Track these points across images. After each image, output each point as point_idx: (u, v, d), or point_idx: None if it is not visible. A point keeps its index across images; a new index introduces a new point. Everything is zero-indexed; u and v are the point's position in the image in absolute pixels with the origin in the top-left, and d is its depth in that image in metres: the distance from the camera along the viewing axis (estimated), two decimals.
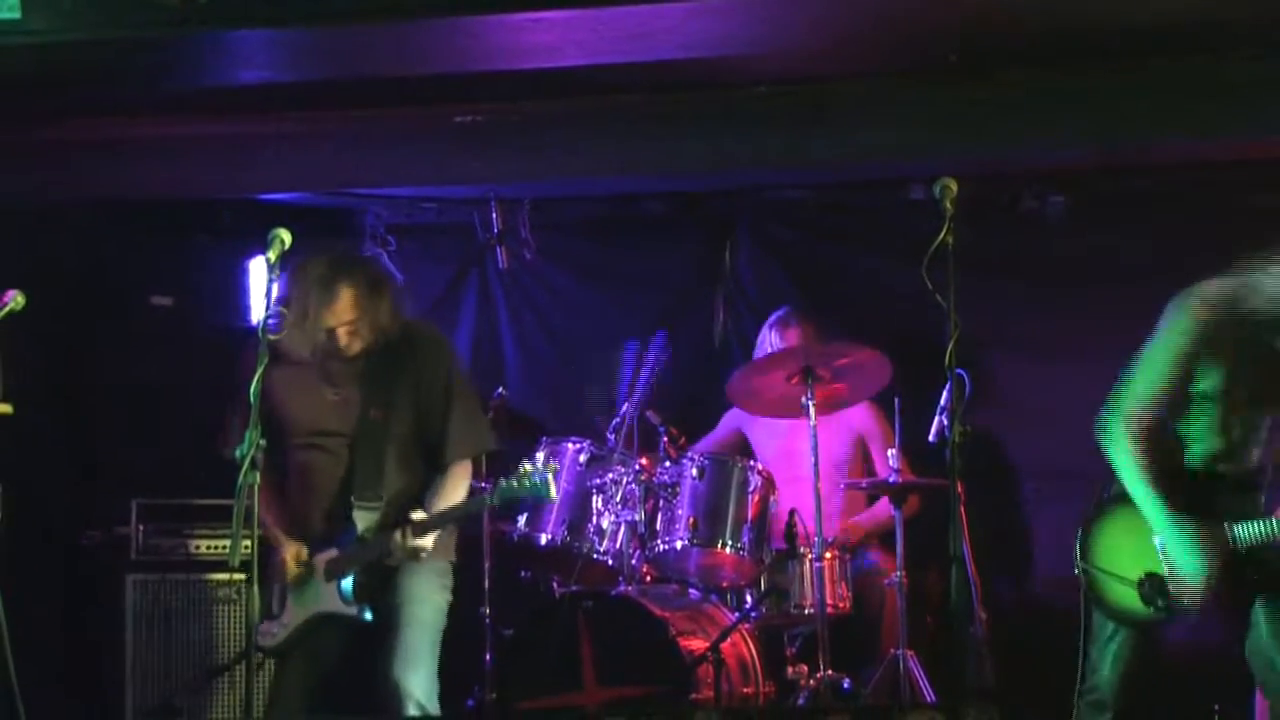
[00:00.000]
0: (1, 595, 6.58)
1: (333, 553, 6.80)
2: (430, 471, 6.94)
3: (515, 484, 6.73)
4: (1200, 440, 6.46)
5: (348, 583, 6.77)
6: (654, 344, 8.67)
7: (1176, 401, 6.43)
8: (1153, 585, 6.39)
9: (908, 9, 7.00)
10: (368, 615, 6.76)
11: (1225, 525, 6.30)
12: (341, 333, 6.80)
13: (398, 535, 6.68)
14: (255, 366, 6.68)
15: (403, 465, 6.90)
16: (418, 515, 6.73)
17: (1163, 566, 6.38)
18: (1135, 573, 6.42)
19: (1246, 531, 6.26)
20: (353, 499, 6.80)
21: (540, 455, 7.00)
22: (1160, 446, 6.45)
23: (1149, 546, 6.40)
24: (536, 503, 6.89)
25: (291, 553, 6.71)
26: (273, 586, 6.78)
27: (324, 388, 6.89)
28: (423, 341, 7.07)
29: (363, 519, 6.78)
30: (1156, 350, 6.45)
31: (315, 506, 6.84)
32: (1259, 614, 6.37)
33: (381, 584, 6.81)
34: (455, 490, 6.90)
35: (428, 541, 6.74)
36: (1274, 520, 6.23)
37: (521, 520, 8.21)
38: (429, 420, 6.93)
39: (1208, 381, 6.38)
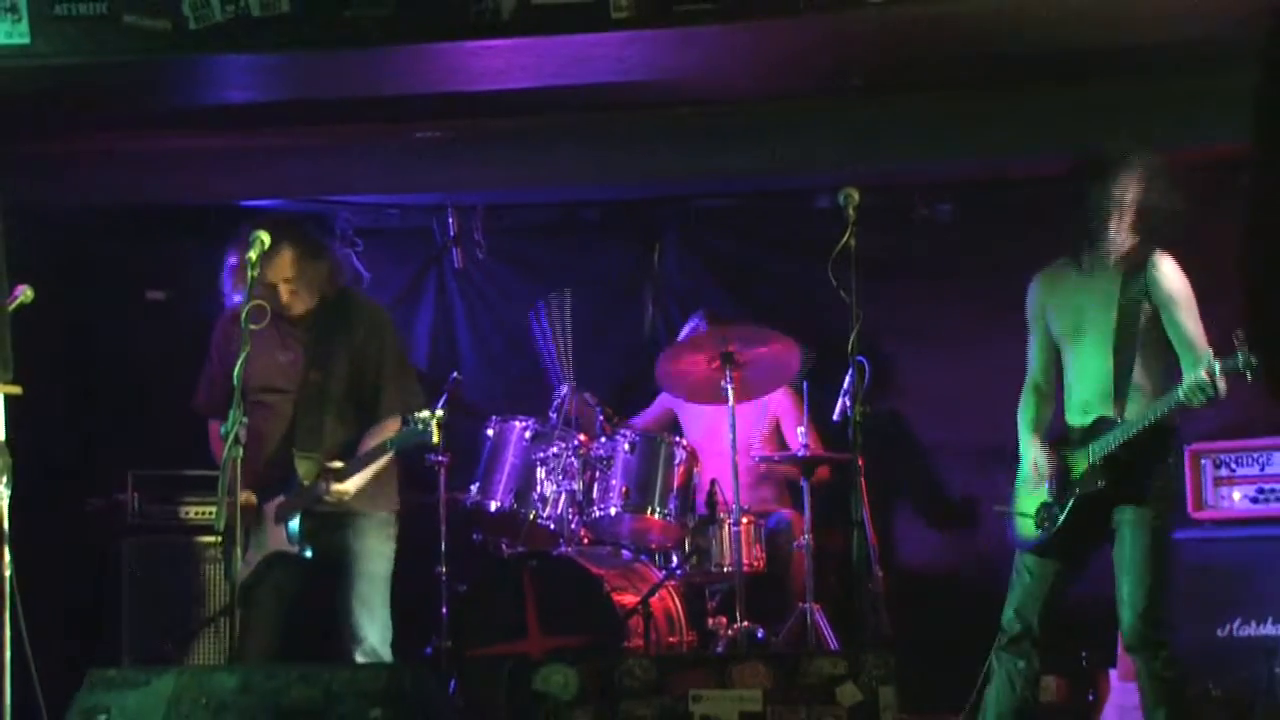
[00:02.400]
0: (12, 557, 6.56)
1: (280, 499, 6.84)
2: (367, 425, 6.95)
3: (406, 431, 6.72)
4: (1076, 390, 6.59)
5: (294, 524, 6.82)
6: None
7: (1048, 360, 6.69)
8: (1044, 511, 6.52)
9: (815, 41, 7.01)
10: (307, 553, 6.79)
11: (1086, 450, 6.44)
12: (283, 290, 6.84)
13: (321, 483, 6.71)
14: (226, 342, 6.77)
15: (340, 419, 6.92)
16: (334, 464, 6.75)
17: (1047, 495, 6.54)
18: (1033, 507, 6.56)
19: (1100, 446, 6.38)
20: (294, 450, 6.83)
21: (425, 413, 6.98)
22: (1041, 400, 6.69)
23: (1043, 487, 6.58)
24: (422, 445, 6.90)
25: (242, 500, 6.69)
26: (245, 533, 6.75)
27: (275, 349, 6.90)
28: (359, 309, 7.11)
29: (303, 467, 6.80)
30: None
31: (263, 456, 6.84)
32: (1117, 519, 6.47)
33: (329, 532, 6.85)
34: (376, 439, 6.89)
35: (348, 486, 6.75)
36: (1117, 429, 6.36)
37: (474, 488, 8.24)
38: (364, 379, 6.96)
39: (1056, 329, 6.62)
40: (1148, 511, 6.34)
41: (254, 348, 6.46)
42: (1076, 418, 6.57)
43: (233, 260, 6.83)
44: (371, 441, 6.86)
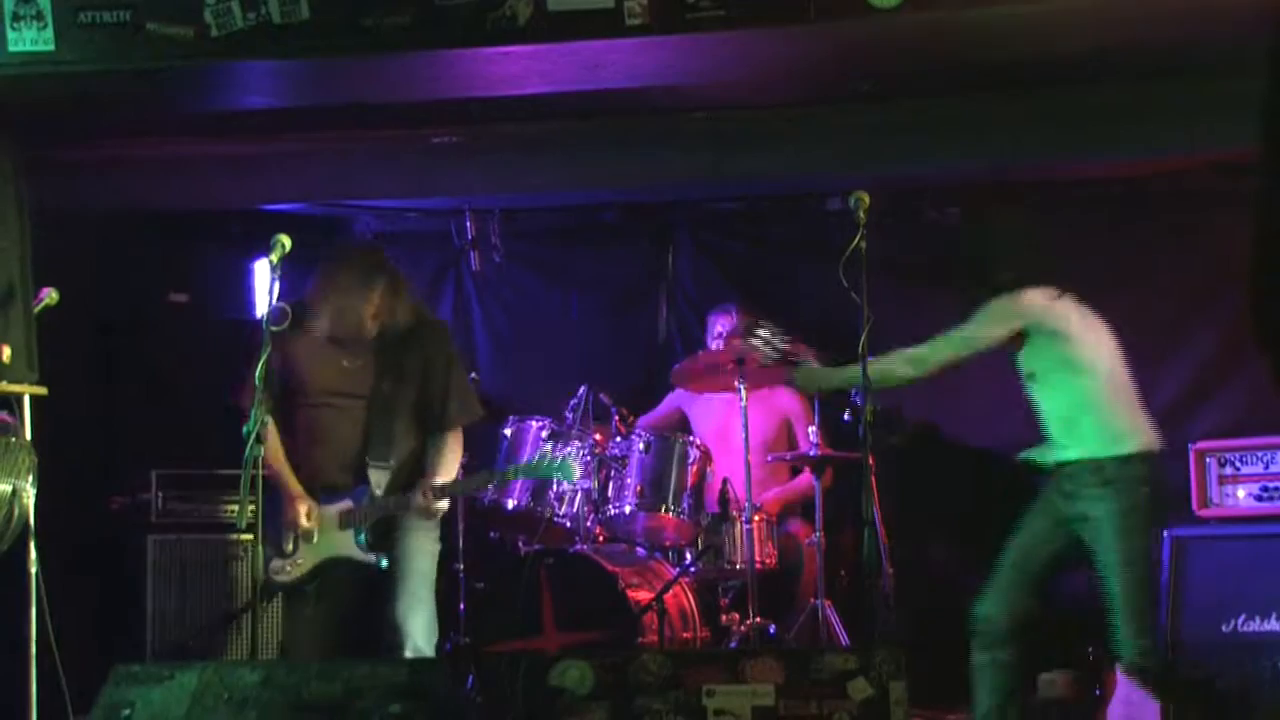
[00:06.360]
0: (40, 553, 6.57)
1: (347, 504, 6.73)
2: (427, 436, 6.90)
3: (535, 463, 6.90)
4: None
5: (363, 534, 6.74)
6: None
7: None
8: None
9: (824, 48, 7.00)
10: (384, 563, 6.71)
11: None
12: (369, 322, 6.79)
13: (420, 497, 6.66)
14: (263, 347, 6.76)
15: (409, 430, 6.86)
16: (439, 480, 6.72)
17: None
18: None
19: None
20: (367, 459, 6.75)
21: (548, 446, 7.05)
22: None
23: None
24: (552, 478, 6.98)
25: (304, 509, 6.65)
26: (283, 528, 6.70)
27: (339, 355, 6.81)
28: (428, 324, 7.07)
29: (376, 478, 6.73)
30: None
31: (329, 459, 6.77)
32: None
33: (381, 532, 6.78)
34: (454, 455, 6.87)
35: (444, 505, 6.75)
36: None
37: (491, 487, 8.15)
38: (432, 391, 6.90)
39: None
40: None
41: (314, 352, 6.64)
42: None
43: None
44: (453, 461, 6.85)
